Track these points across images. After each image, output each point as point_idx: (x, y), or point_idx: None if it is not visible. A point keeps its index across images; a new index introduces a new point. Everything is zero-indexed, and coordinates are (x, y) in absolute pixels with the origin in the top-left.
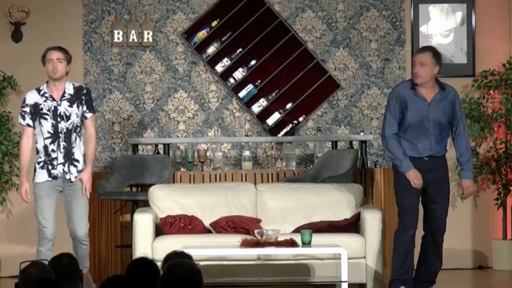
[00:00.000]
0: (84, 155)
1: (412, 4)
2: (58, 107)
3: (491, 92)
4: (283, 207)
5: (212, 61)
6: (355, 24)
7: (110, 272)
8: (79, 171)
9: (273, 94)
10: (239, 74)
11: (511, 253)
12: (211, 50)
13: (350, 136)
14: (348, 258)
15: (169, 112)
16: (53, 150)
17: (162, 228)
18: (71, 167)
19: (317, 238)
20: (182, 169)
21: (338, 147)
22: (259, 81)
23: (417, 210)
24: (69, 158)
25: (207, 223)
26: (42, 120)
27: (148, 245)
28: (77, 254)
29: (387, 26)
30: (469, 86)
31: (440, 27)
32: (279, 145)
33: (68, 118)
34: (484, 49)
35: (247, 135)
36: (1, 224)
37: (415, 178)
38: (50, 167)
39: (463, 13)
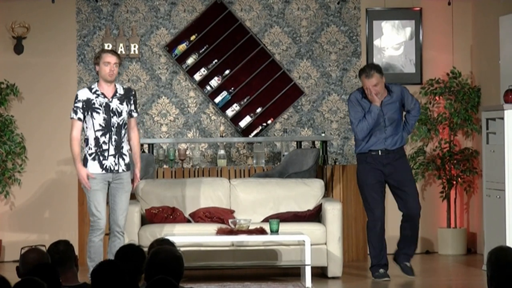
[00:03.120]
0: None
1: (367, 20)
2: (110, 104)
3: (437, 98)
4: (254, 199)
5: (191, 71)
6: (317, 38)
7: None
8: (126, 164)
9: (245, 100)
10: (214, 82)
11: (454, 239)
12: (190, 61)
13: (313, 137)
14: (311, 244)
15: (153, 116)
16: (104, 142)
17: (147, 218)
18: (120, 160)
19: (283, 227)
20: (165, 166)
21: (302, 147)
22: (232, 88)
23: (382, 202)
24: (119, 151)
25: (186, 213)
26: (94, 114)
27: (135, 233)
28: (114, 247)
29: (345, 40)
30: (417, 92)
31: (392, 41)
32: (250, 144)
33: (120, 114)
34: (430, 60)
35: (222, 136)
36: (5, 215)
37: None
38: (101, 158)
39: (412, 29)
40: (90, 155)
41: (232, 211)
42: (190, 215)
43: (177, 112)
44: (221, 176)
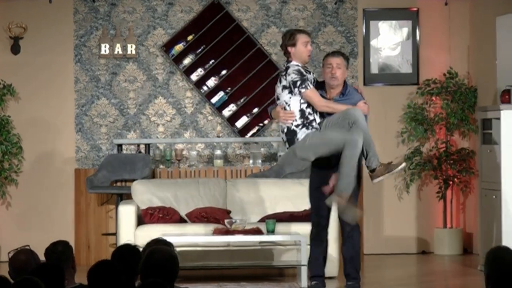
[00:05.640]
0: None
1: (364, 21)
2: None
3: (433, 98)
4: (250, 200)
5: (188, 71)
6: (314, 39)
7: (98, 257)
8: None
9: (242, 100)
10: (211, 82)
11: (450, 239)
12: (187, 61)
13: None
14: (308, 244)
15: (150, 116)
16: (309, 113)
17: (143, 218)
18: None
19: (280, 227)
20: (161, 166)
21: None
22: (229, 88)
23: (325, 209)
24: None
25: (183, 213)
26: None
27: (131, 233)
28: None
29: (342, 40)
30: (414, 93)
31: (389, 41)
32: (246, 145)
33: None
34: (427, 60)
35: (219, 136)
36: (1, 215)
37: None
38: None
39: (409, 29)
40: (297, 126)
41: (229, 211)
42: (186, 215)
43: (173, 112)
44: (217, 176)
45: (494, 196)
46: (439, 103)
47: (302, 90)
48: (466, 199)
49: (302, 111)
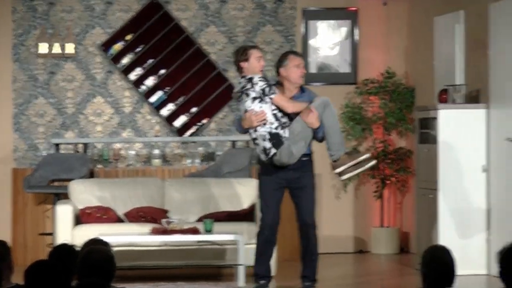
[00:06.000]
0: None
1: (303, 20)
2: None
3: (371, 98)
4: (188, 199)
5: (127, 70)
6: (253, 38)
7: (35, 257)
8: None
9: (180, 100)
10: (150, 81)
11: (387, 238)
12: (125, 60)
13: (248, 137)
14: (245, 244)
15: (88, 115)
16: (281, 116)
17: (81, 218)
18: None
19: (218, 227)
20: (99, 165)
21: (236, 146)
22: (168, 88)
23: (275, 210)
24: None
25: (120, 213)
26: None
27: (68, 233)
28: None
29: (281, 40)
30: (352, 92)
31: (327, 41)
32: (185, 144)
33: None
34: (366, 60)
35: (157, 136)
36: None
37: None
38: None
39: (347, 29)
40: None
41: (166, 211)
42: (124, 215)
43: (112, 111)
44: (155, 175)
45: (431, 196)
46: (377, 103)
47: (272, 96)
48: (403, 198)
49: (275, 115)
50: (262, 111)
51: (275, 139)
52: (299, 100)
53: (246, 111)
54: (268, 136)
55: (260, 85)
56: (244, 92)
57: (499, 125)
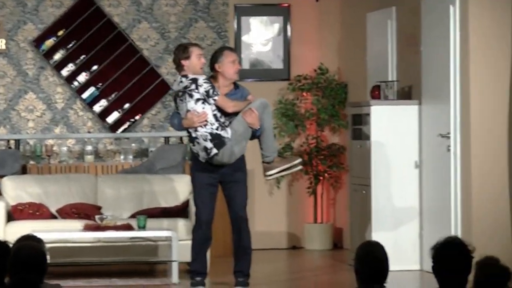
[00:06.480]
0: None
1: (236, 16)
2: None
3: (304, 94)
4: (121, 195)
5: (59, 66)
6: (186, 34)
7: None
8: None
9: (113, 96)
10: (82, 77)
11: (321, 234)
12: (57, 56)
13: (183, 133)
14: (179, 240)
15: (20, 111)
16: (220, 116)
17: (13, 214)
18: None
19: (151, 223)
20: (31, 162)
21: (169, 143)
22: (100, 84)
23: (209, 206)
24: None
25: (53, 209)
26: None
27: (0, 229)
28: None
29: (214, 36)
30: (285, 88)
31: (260, 37)
32: (118, 140)
33: None
34: (298, 56)
35: (90, 132)
36: None
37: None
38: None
39: (280, 25)
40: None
41: (99, 207)
42: (57, 211)
43: (44, 107)
44: (88, 172)
45: (364, 191)
46: (310, 99)
47: (216, 98)
48: (336, 194)
49: (215, 116)
50: (204, 112)
51: (217, 139)
52: (232, 98)
53: (188, 111)
54: (209, 137)
55: (205, 87)
56: (186, 92)
57: (431, 121)
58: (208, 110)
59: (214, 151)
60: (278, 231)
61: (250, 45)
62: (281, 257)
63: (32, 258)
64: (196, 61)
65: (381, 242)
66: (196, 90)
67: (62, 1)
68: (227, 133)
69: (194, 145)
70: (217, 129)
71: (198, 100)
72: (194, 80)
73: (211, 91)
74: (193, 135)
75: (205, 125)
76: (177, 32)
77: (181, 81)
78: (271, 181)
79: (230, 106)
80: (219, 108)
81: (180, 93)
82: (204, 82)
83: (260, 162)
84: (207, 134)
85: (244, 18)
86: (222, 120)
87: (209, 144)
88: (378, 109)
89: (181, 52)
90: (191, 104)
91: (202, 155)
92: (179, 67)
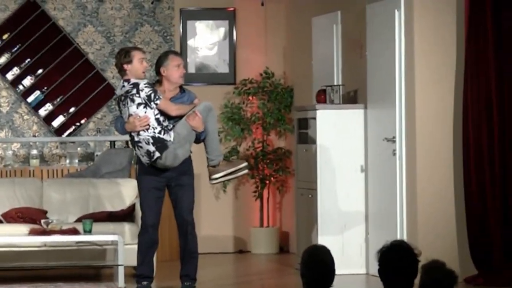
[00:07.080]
0: None
1: (181, 20)
2: None
3: (250, 98)
4: (67, 200)
5: (3, 70)
6: (131, 38)
7: None
8: None
9: (58, 99)
10: (27, 81)
11: (267, 238)
12: (2, 60)
13: (126, 137)
14: (125, 244)
15: None
16: (163, 120)
17: None
18: None
19: (97, 227)
20: None
21: (115, 147)
22: (45, 87)
23: (156, 209)
24: None
25: None
26: None
27: None
28: None
29: (159, 39)
30: (231, 92)
31: (206, 41)
32: (63, 144)
33: None
34: (244, 60)
35: (35, 136)
36: None
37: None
38: None
39: (225, 29)
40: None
41: (45, 212)
42: (2, 215)
43: None
44: (33, 176)
45: (310, 195)
46: (256, 103)
47: (158, 102)
48: (282, 198)
49: (157, 120)
50: (146, 117)
51: (159, 143)
52: (178, 102)
53: (130, 115)
54: (151, 140)
55: (146, 91)
56: (128, 96)
57: (377, 125)
58: (150, 114)
59: (157, 154)
60: (225, 235)
61: (195, 49)
62: (228, 261)
63: None
64: (138, 65)
65: (327, 246)
66: (138, 95)
67: (7, 4)
68: (169, 137)
69: (137, 149)
70: (159, 132)
71: (139, 104)
72: (136, 85)
73: (152, 95)
74: (136, 139)
75: (147, 129)
76: (122, 36)
77: (123, 86)
78: (217, 185)
79: (173, 110)
80: (163, 112)
81: (123, 98)
82: (146, 87)
83: (206, 166)
84: (149, 137)
85: (190, 22)
86: (165, 124)
87: (151, 148)
88: (323, 113)
89: (123, 56)
90: (133, 108)
91: (145, 159)
92: (121, 72)
